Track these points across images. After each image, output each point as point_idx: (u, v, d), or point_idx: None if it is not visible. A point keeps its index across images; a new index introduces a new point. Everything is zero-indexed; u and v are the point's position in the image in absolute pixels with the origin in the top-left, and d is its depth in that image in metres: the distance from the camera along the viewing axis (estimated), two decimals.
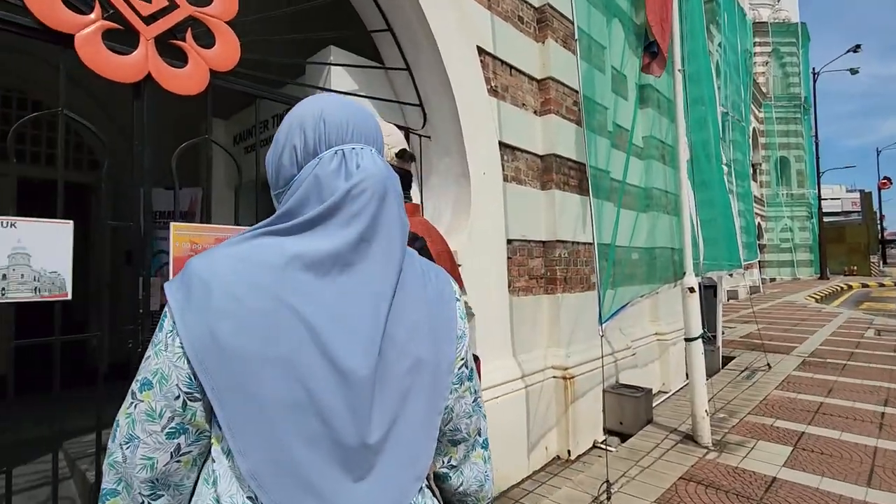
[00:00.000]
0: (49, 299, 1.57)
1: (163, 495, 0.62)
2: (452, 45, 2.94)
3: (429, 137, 3.10)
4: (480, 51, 3.18)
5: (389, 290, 0.64)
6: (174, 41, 1.90)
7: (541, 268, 3.63)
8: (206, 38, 1.99)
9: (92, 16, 1.69)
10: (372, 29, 2.95)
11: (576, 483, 2.94)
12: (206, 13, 1.99)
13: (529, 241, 3.53)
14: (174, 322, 0.59)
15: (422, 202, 3.14)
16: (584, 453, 3.46)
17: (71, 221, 1.65)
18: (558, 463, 3.35)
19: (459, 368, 0.73)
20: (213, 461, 0.61)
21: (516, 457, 3.08)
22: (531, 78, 3.66)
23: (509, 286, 3.27)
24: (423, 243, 1.15)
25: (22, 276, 1.52)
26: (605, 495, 2.68)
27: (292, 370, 0.58)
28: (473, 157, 3.03)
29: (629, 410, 3.69)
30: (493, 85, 3.30)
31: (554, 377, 3.46)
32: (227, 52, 2.04)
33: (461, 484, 0.80)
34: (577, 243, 3.82)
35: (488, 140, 3.18)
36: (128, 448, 0.59)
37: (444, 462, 0.79)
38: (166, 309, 0.61)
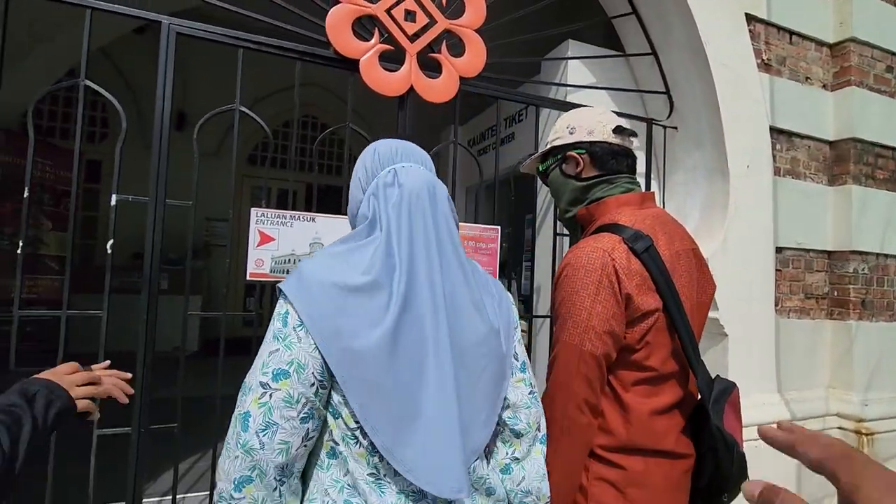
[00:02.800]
0: None
1: (285, 482, 0.67)
2: (713, 17, 2.50)
3: (675, 128, 2.72)
4: (749, 18, 2.64)
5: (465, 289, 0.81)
6: (432, 54, 2.07)
7: (823, 285, 2.83)
8: (456, 48, 2.12)
9: (372, 41, 1.96)
10: (613, 15, 2.73)
11: None
12: (458, 24, 2.11)
13: (808, 251, 2.79)
14: (300, 319, 0.68)
15: (663, 203, 2.78)
16: None
17: None
18: None
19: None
20: (337, 444, 0.70)
21: None
22: (820, 43, 2.88)
23: (776, 305, 2.63)
24: (649, 243, 0.98)
25: None
26: None
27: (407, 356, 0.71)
28: (734, 148, 2.53)
29: None
30: (764, 58, 2.70)
31: (840, 428, 2.65)
32: (475, 59, 2.13)
33: (523, 479, 0.84)
34: (886, 256, 2.85)
35: (755, 126, 2.62)
36: (265, 435, 0.63)
37: (507, 454, 0.85)
38: (286, 307, 0.70)
